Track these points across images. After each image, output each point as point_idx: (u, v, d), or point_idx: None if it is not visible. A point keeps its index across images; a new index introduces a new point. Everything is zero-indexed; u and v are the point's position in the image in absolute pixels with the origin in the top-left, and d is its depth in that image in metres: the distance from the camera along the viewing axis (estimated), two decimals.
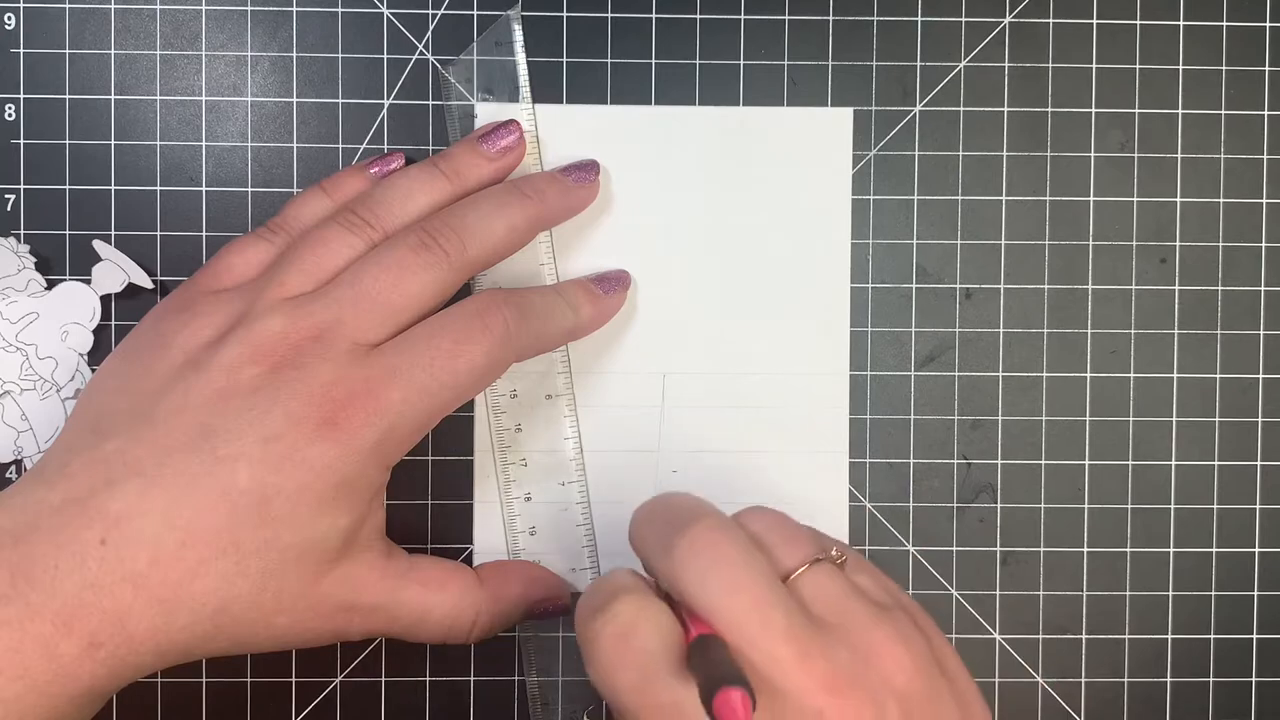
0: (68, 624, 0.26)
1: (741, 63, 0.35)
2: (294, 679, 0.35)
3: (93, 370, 0.35)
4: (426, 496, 0.35)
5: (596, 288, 0.34)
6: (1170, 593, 0.36)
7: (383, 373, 0.28)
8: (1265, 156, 0.36)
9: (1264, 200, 0.36)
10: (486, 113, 0.35)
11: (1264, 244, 0.36)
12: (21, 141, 0.35)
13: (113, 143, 0.35)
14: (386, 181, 0.32)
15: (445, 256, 0.30)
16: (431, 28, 0.35)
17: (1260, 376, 0.36)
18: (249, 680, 0.35)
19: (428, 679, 0.35)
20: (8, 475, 0.35)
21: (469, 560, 0.35)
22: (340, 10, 0.35)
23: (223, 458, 0.27)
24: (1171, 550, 0.36)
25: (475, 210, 0.31)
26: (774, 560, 0.26)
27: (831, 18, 0.35)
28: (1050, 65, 0.36)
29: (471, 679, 0.35)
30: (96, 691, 0.27)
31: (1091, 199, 0.36)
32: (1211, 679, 0.36)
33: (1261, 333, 0.36)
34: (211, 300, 0.30)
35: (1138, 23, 0.36)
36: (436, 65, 0.35)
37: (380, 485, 0.30)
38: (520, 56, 0.35)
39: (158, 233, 0.35)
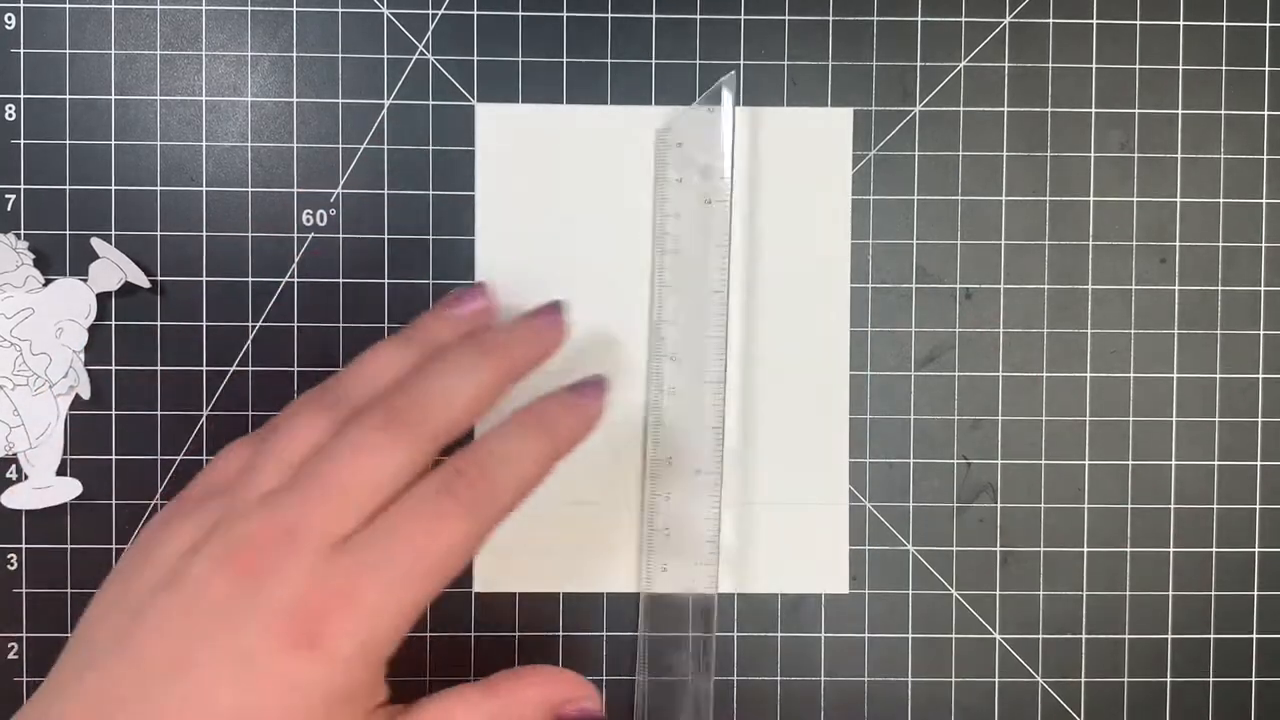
0: None
1: (741, 63, 0.35)
2: None
3: (87, 369, 0.35)
4: None
5: (571, 397, 0.31)
6: (1170, 593, 0.36)
7: (355, 573, 0.26)
8: (1265, 156, 0.36)
9: (1264, 200, 0.36)
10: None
11: (1264, 244, 0.36)
12: (21, 141, 0.35)
13: (113, 143, 0.35)
14: (358, 359, 0.30)
15: (409, 431, 0.28)
16: (431, 28, 0.35)
17: (1260, 376, 0.36)
18: None
19: (428, 680, 0.35)
20: (7, 475, 0.35)
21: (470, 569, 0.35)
22: (340, 10, 0.35)
23: (201, 682, 0.26)
24: (1171, 550, 0.36)
25: (437, 379, 0.29)
26: None
27: (831, 18, 0.35)
28: (1050, 65, 0.36)
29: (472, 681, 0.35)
30: None
31: (1091, 199, 0.36)
32: (1211, 679, 0.36)
33: (1261, 333, 0.36)
34: (194, 506, 0.28)
35: (1138, 23, 0.36)
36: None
37: (375, 682, 0.28)
38: (728, 128, 0.34)
39: (158, 233, 0.35)
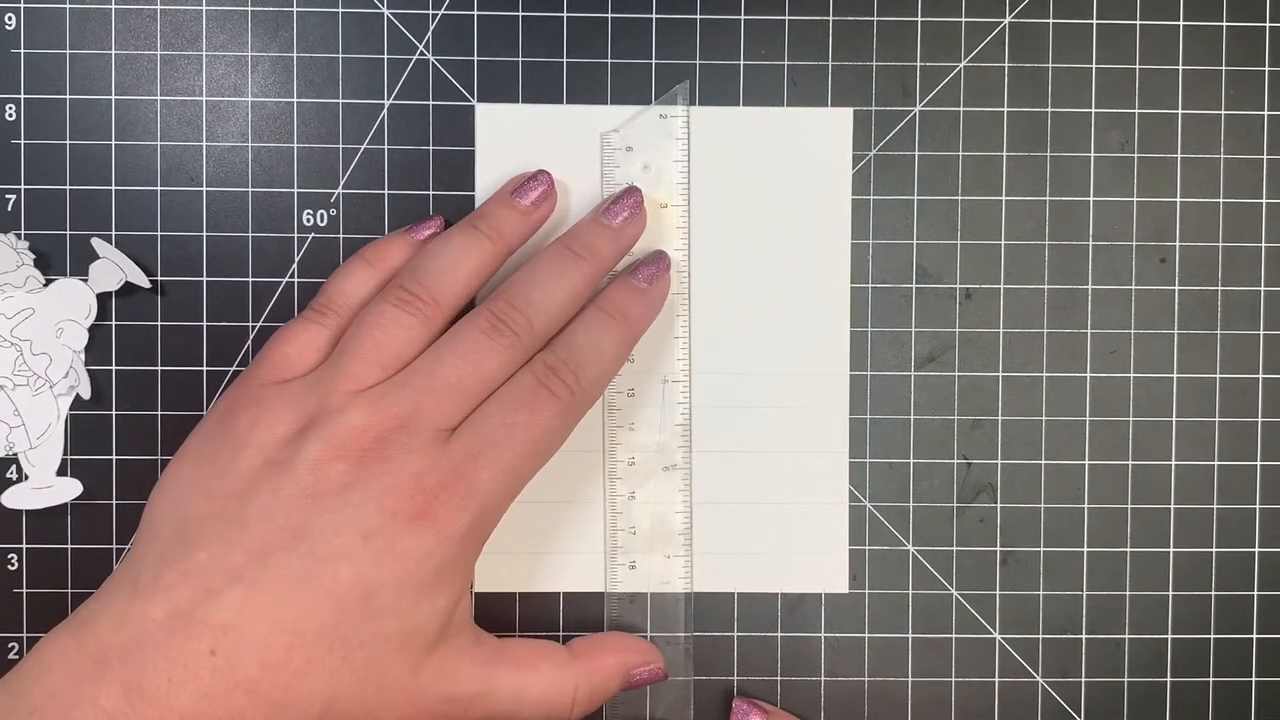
0: None
1: (741, 63, 0.35)
2: None
3: (88, 369, 0.35)
4: None
5: (639, 281, 0.33)
6: (1170, 593, 0.36)
7: (468, 456, 0.29)
8: (1265, 156, 0.36)
9: (1264, 200, 0.36)
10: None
11: (1264, 244, 0.36)
12: (21, 141, 0.35)
13: (113, 143, 0.35)
14: (429, 250, 0.32)
15: (516, 338, 0.30)
16: (431, 28, 0.35)
17: (1260, 376, 0.36)
18: None
19: None
20: (7, 475, 0.35)
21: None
22: (340, 10, 0.35)
23: (322, 557, 0.28)
24: (1171, 550, 0.36)
25: (536, 286, 0.31)
26: None
27: (831, 18, 0.35)
28: (1050, 65, 0.36)
29: None
30: None
31: (1091, 199, 0.36)
32: (1211, 679, 0.36)
33: (1261, 333, 0.36)
34: (278, 394, 0.30)
35: (1138, 23, 0.36)
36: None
37: (473, 564, 0.30)
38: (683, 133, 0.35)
39: (158, 233, 0.35)
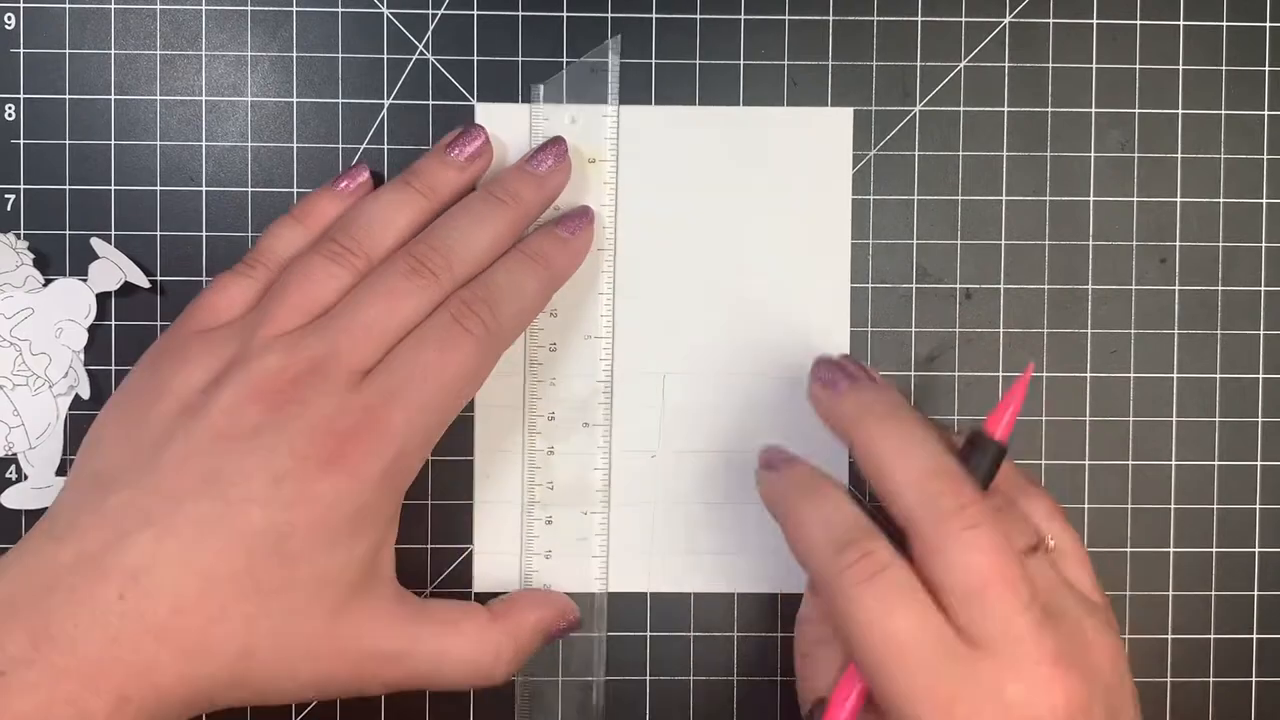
0: (94, 682, 0.26)
1: (741, 63, 0.35)
2: None
3: (87, 369, 0.35)
4: (426, 497, 0.35)
5: (562, 232, 0.33)
6: (1170, 593, 0.36)
7: (380, 398, 0.29)
8: (1265, 156, 0.36)
9: (1264, 200, 0.36)
10: (489, 114, 0.35)
11: (1264, 244, 0.36)
12: (21, 141, 0.35)
13: (113, 143, 0.35)
14: (362, 206, 0.32)
15: (434, 279, 0.30)
16: (431, 28, 0.35)
17: (1260, 376, 0.36)
18: None
19: None
20: (7, 475, 0.35)
21: (469, 561, 0.35)
22: (340, 10, 0.35)
23: (234, 500, 0.27)
24: (1171, 550, 0.36)
25: (457, 229, 0.31)
26: None
27: (831, 18, 0.35)
28: (1050, 65, 0.36)
29: None
30: None
31: (1091, 199, 0.36)
32: (1211, 679, 0.36)
33: (1261, 333, 0.36)
34: (202, 342, 0.30)
35: (1138, 23, 0.36)
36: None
37: (393, 513, 0.30)
38: (613, 83, 0.35)
39: (157, 232, 0.35)
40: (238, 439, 0.28)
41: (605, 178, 0.35)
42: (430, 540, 0.35)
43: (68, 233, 0.35)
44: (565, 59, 0.35)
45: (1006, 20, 0.36)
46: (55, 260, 0.35)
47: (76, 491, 0.28)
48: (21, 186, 0.35)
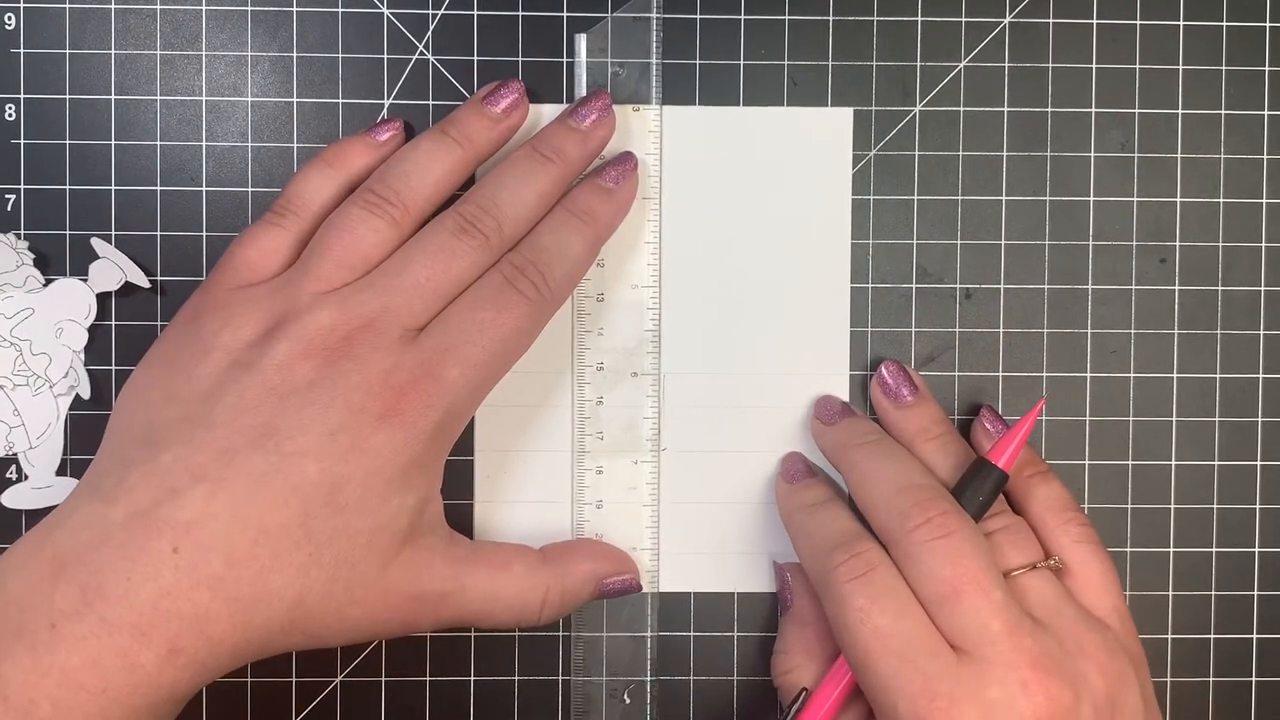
0: (146, 634, 0.26)
1: (741, 63, 0.35)
2: (294, 679, 0.35)
3: (87, 369, 0.35)
4: None
5: (606, 181, 0.33)
6: (1170, 593, 0.36)
7: (436, 354, 0.29)
8: (1265, 156, 0.36)
9: (1264, 200, 0.36)
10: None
11: (1264, 244, 0.36)
12: (21, 141, 0.35)
13: (113, 143, 0.35)
14: (399, 155, 0.32)
15: (485, 239, 0.30)
16: (431, 28, 0.35)
17: (1260, 376, 0.36)
18: (249, 680, 0.35)
19: (428, 679, 0.35)
20: (7, 475, 0.35)
21: None
22: (340, 10, 0.35)
23: (289, 454, 0.28)
24: (1171, 550, 0.36)
25: (504, 188, 0.31)
26: (998, 555, 0.30)
27: (831, 18, 0.35)
28: (1050, 65, 0.36)
29: (471, 679, 0.35)
30: (177, 698, 0.27)
31: (1091, 199, 0.36)
32: (1211, 679, 0.36)
33: (1261, 333, 0.36)
34: (245, 297, 0.30)
35: (1138, 23, 0.36)
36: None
37: (441, 464, 0.30)
38: (656, 30, 0.35)
39: (158, 232, 0.35)
40: (291, 394, 0.28)
41: (649, 126, 0.35)
42: None
43: (68, 233, 0.35)
44: (565, 59, 0.35)
45: (1006, 20, 0.36)
46: (55, 260, 0.35)
47: (120, 450, 0.29)
48: (22, 186, 0.35)
